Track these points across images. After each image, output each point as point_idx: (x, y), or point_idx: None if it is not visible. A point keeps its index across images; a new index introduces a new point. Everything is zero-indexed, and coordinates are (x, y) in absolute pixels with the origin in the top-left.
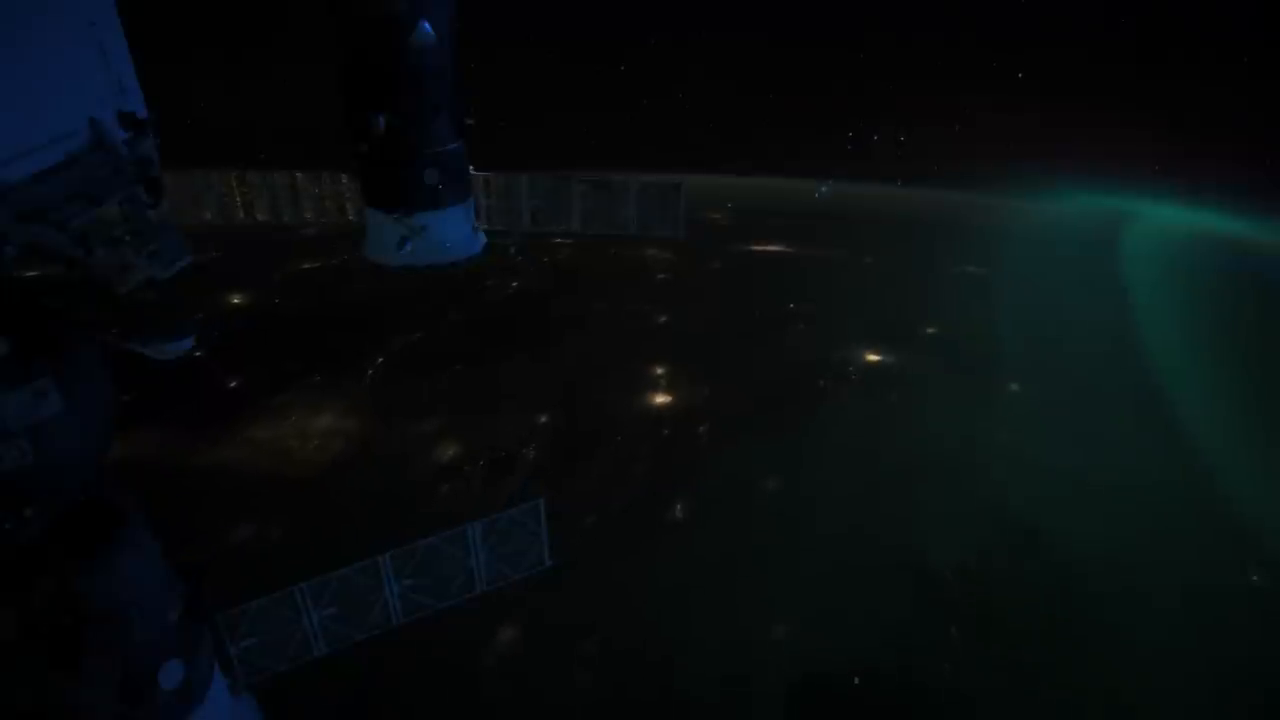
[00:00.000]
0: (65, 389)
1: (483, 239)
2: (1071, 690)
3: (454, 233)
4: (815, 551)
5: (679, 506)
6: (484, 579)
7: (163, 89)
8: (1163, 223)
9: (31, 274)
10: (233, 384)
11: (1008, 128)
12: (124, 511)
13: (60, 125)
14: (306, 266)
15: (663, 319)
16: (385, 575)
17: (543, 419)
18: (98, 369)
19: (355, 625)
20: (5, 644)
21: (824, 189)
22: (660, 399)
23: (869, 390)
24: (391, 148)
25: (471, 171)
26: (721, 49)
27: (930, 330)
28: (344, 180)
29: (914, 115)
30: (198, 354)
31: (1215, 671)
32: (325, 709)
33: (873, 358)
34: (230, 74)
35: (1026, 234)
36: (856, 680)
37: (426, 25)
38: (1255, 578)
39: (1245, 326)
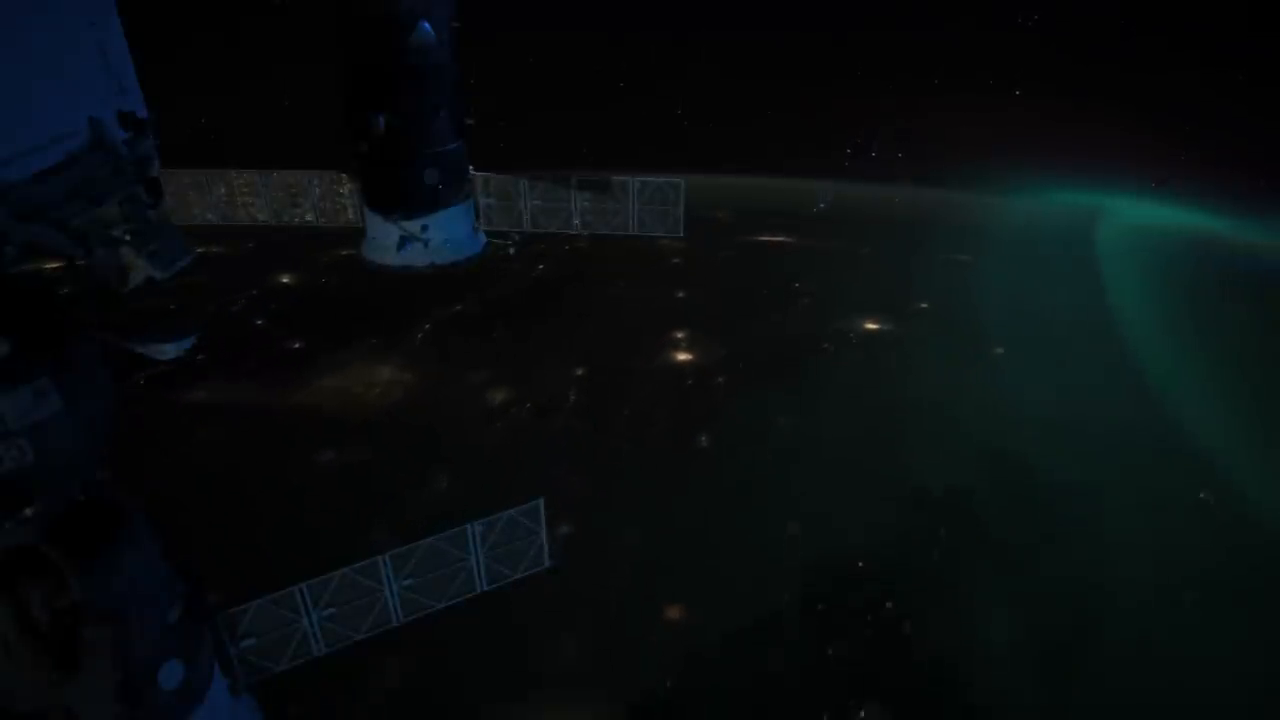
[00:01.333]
0: (65, 389)
1: (483, 239)
2: (1040, 574)
3: (454, 233)
4: (821, 472)
5: (703, 437)
6: (484, 579)
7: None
8: (1136, 218)
9: (31, 274)
10: (296, 345)
11: (988, 126)
12: (124, 511)
13: (60, 125)
14: (345, 253)
15: (680, 294)
16: (385, 575)
17: (579, 371)
18: (98, 369)
19: (355, 625)
20: (5, 644)
21: (822, 204)
22: (682, 356)
23: (867, 351)
24: (391, 148)
25: (471, 171)
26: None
27: (923, 305)
28: (343, 180)
29: (899, 116)
30: (259, 322)
31: (1163, 560)
32: (325, 709)
33: (871, 326)
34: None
35: (1009, 228)
36: (860, 564)
37: (426, 25)
38: (1203, 494)
39: (1207, 305)
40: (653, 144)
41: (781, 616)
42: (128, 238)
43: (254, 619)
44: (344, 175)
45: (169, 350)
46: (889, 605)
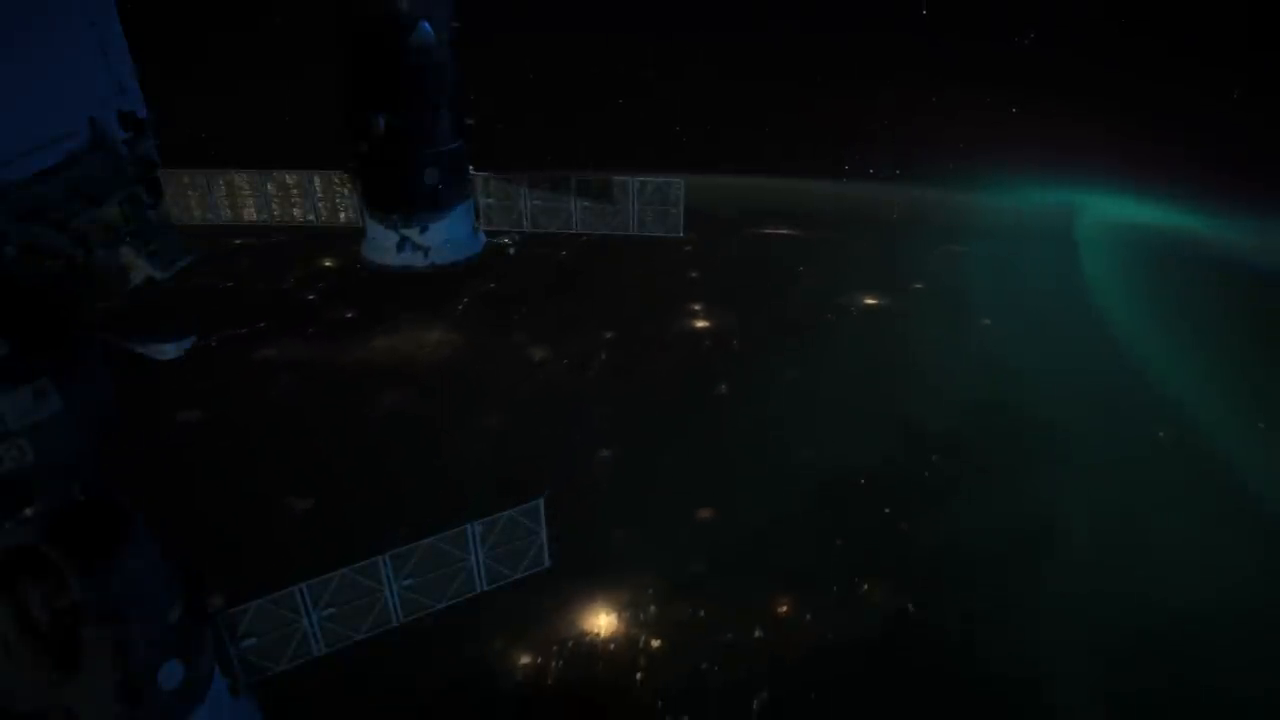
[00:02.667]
0: (65, 389)
1: (483, 239)
2: (1016, 489)
3: (454, 233)
4: (826, 412)
5: (722, 385)
6: (484, 579)
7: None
8: (1112, 213)
9: (31, 274)
10: (349, 315)
11: (980, 127)
12: (125, 511)
13: (60, 125)
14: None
15: (693, 274)
16: (385, 575)
17: (607, 335)
18: (98, 369)
19: (355, 625)
20: (5, 644)
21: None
22: (699, 323)
23: (866, 320)
24: (391, 148)
25: (471, 171)
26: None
27: (918, 285)
28: (343, 180)
29: (898, 117)
30: (310, 297)
31: (1121, 479)
32: (325, 709)
33: (869, 301)
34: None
35: (997, 223)
36: (862, 481)
37: (426, 25)
38: (1161, 434)
39: (1172, 285)
40: (652, 144)
41: (795, 518)
42: (128, 238)
43: (254, 619)
44: (344, 175)
45: (169, 350)
46: (887, 511)
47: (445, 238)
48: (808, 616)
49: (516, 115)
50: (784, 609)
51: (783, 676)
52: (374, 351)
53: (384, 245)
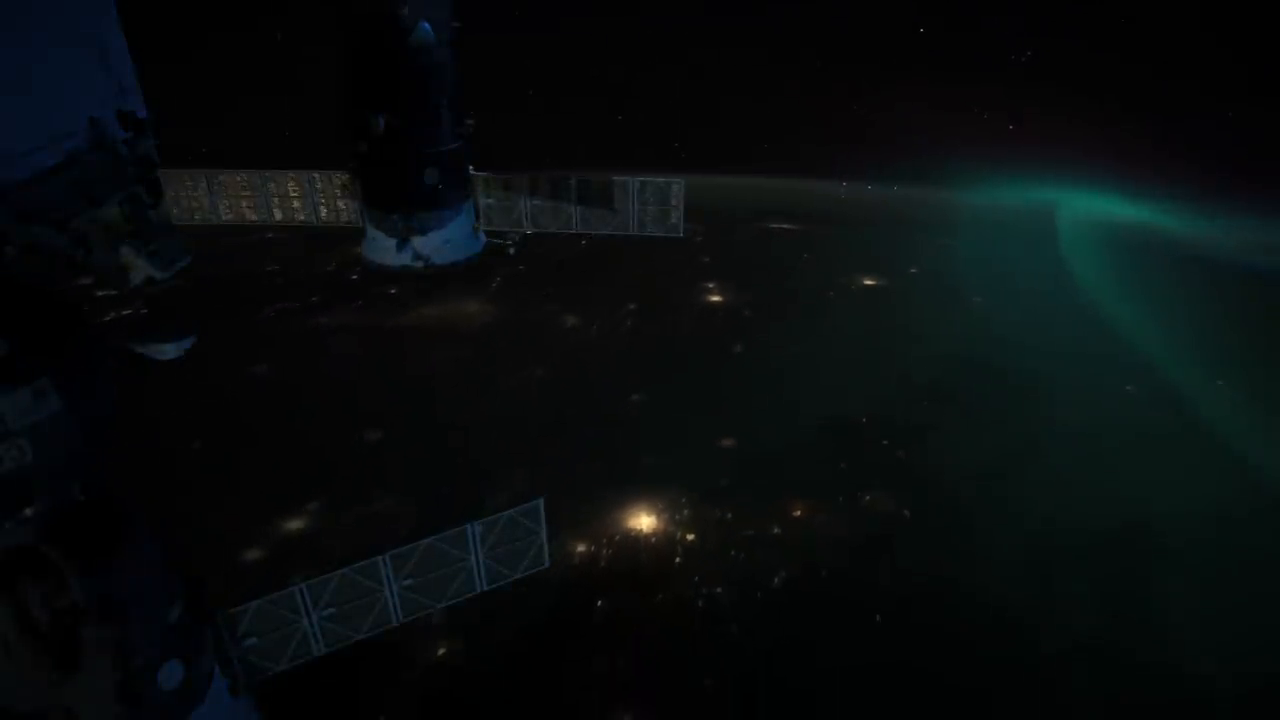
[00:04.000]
0: (65, 389)
1: (483, 239)
2: (998, 426)
3: (454, 233)
4: (831, 368)
5: (737, 347)
6: (484, 579)
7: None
8: (1092, 209)
9: (32, 274)
10: (391, 291)
11: (972, 128)
12: (125, 511)
13: (60, 125)
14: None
15: (705, 259)
16: (385, 575)
17: (631, 306)
18: (98, 369)
19: (355, 625)
20: (5, 644)
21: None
22: (713, 299)
23: (866, 296)
24: (391, 148)
25: (471, 171)
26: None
27: (913, 270)
28: (344, 180)
29: (898, 118)
30: (354, 277)
31: (1090, 416)
32: (325, 709)
33: (868, 281)
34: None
35: (988, 219)
36: (864, 419)
37: (426, 25)
38: (1130, 387)
39: (1145, 270)
40: (652, 145)
41: (805, 446)
42: (128, 238)
43: (254, 619)
44: (344, 175)
45: (169, 350)
46: (885, 442)
47: (445, 238)
48: (817, 518)
49: (517, 115)
50: (797, 513)
51: (797, 562)
52: (422, 318)
53: (384, 245)
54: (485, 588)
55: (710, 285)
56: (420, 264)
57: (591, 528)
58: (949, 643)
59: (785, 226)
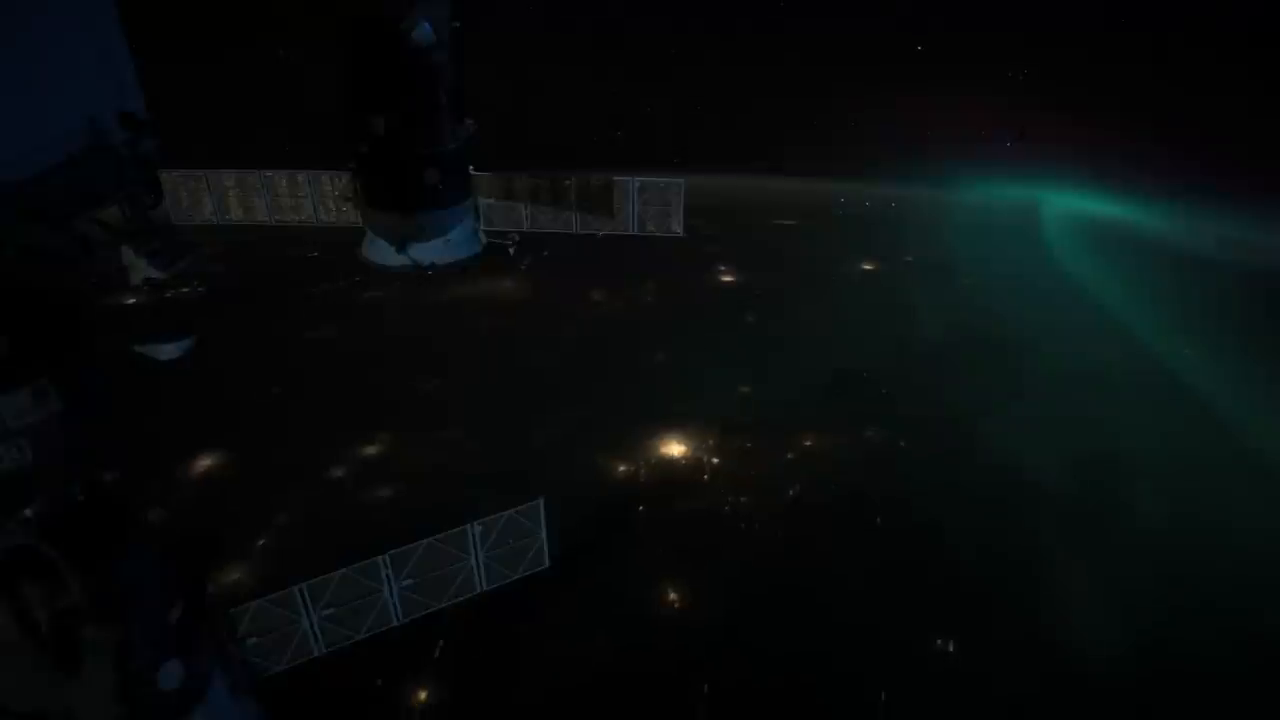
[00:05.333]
0: (65, 388)
1: (483, 239)
2: (978, 377)
3: (454, 232)
4: (835, 333)
5: (749, 317)
6: (484, 579)
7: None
8: (1074, 206)
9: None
10: (428, 272)
11: (963, 129)
12: (124, 511)
13: (60, 125)
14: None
15: (714, 249)
16: (385, 575)
17: (650, 285)
18: (97, 368)
19: (355, 625)
20: (5, 644)
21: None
22: (725, 278)
23: (865, 278)
24: (391, 148)
25: (471, 171)
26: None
27: (908, 259)
28: (343, 180)
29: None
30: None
31: (1068, 372)
32: (325, 709)
33: (867, 266)
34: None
35: (979, 217)
36: (865, 374)
37: (427, 25)
38: (1102, 349)
39: (1121, 259)
40: (652, 145)
41: (815, 391)
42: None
43: (254, 619)
44: (343, 175)
45: (169, 350)
46: (884, 391)
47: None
48: (825, 446)
49: (517, 115)
50: (808, 443)
51: (809, 478)
52: (459, 295)
53: (384, 246)
54: (485, 588)
55: (721, 268)
56: (421, 265)
57: (630, 453)
58: (937, 541)
59: (786, 223)
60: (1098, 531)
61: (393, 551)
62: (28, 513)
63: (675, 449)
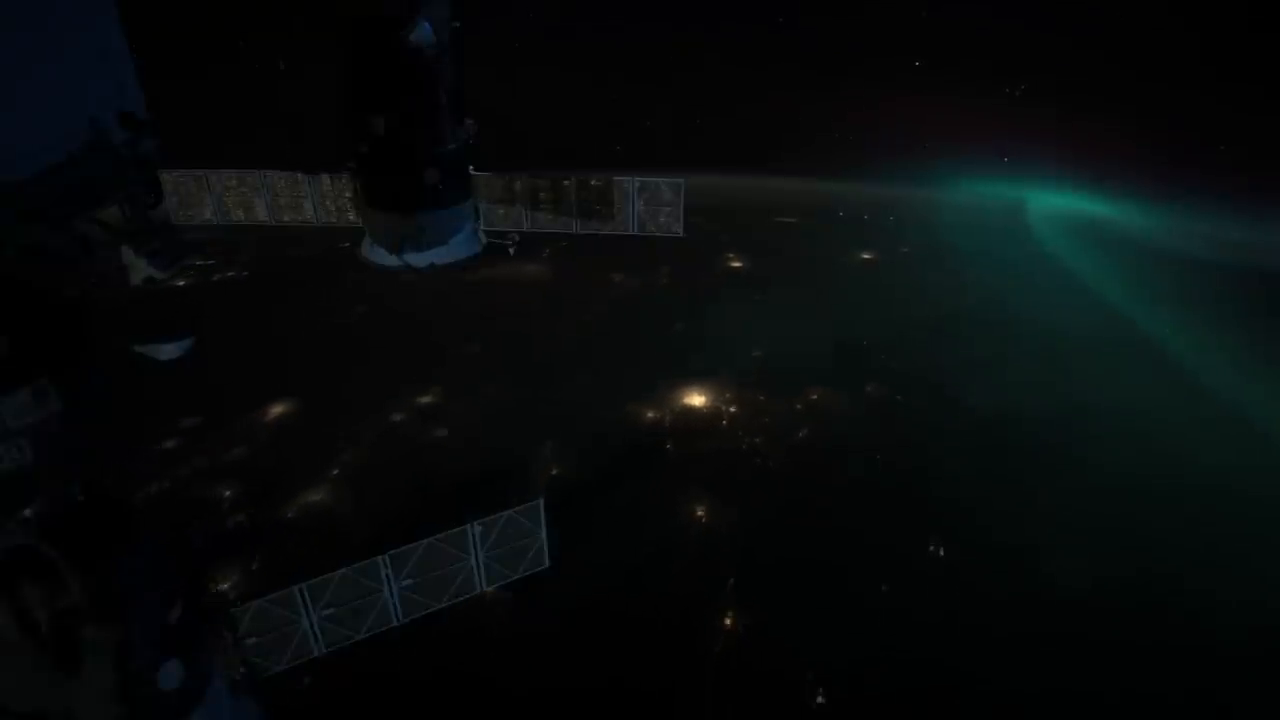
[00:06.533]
0: (65, 389)
1: (483, 239)
2: (964, 346)
3: (454, 232)
4: (837, 308)
5: (757, 296)
6: (484, 579)
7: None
8: (1058, 204)
9: (32, 274)
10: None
11: (957, 129)
12: (124, 511)
13: (60, 125)
14: None
15: (721, 240)
16: (385, 575)
17: (665, 268)
18: (98, 369)
19: (355, 625)
20: (5, 644)
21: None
22: (734, 264)
23: (864, 266)
24: (391, 148)
25: (471, 171)
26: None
27: (904, 250)
28: (344, 180)
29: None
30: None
31: (1057, 344)
32: (325, 709)
33: (866, 256)
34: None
35: (964, 213)
36: (864, 342)
37: (427, 25)
38: (1085, 319)
39: (1101, 252)
40: (651, 145)
41: (820, 356)
42: (128, 238)
43: (254, 619)
44: (343, 176)
45: (169, 350)
46: (882, 356)
47: (446, 237)
48: (830, 399)
49: (516, 115)
50: (814, 396)
51: (814, 424)
52: (487, 276)
53: (384, 245)
54: (485, 588)
55: (730, 255)
56: (419, 267)
57: (656, 402)
58: (930, 473)
59: (787, 220)
60: (1070, 463)
61: (393, 551)
62: (28, 513)
63: (696, 400)
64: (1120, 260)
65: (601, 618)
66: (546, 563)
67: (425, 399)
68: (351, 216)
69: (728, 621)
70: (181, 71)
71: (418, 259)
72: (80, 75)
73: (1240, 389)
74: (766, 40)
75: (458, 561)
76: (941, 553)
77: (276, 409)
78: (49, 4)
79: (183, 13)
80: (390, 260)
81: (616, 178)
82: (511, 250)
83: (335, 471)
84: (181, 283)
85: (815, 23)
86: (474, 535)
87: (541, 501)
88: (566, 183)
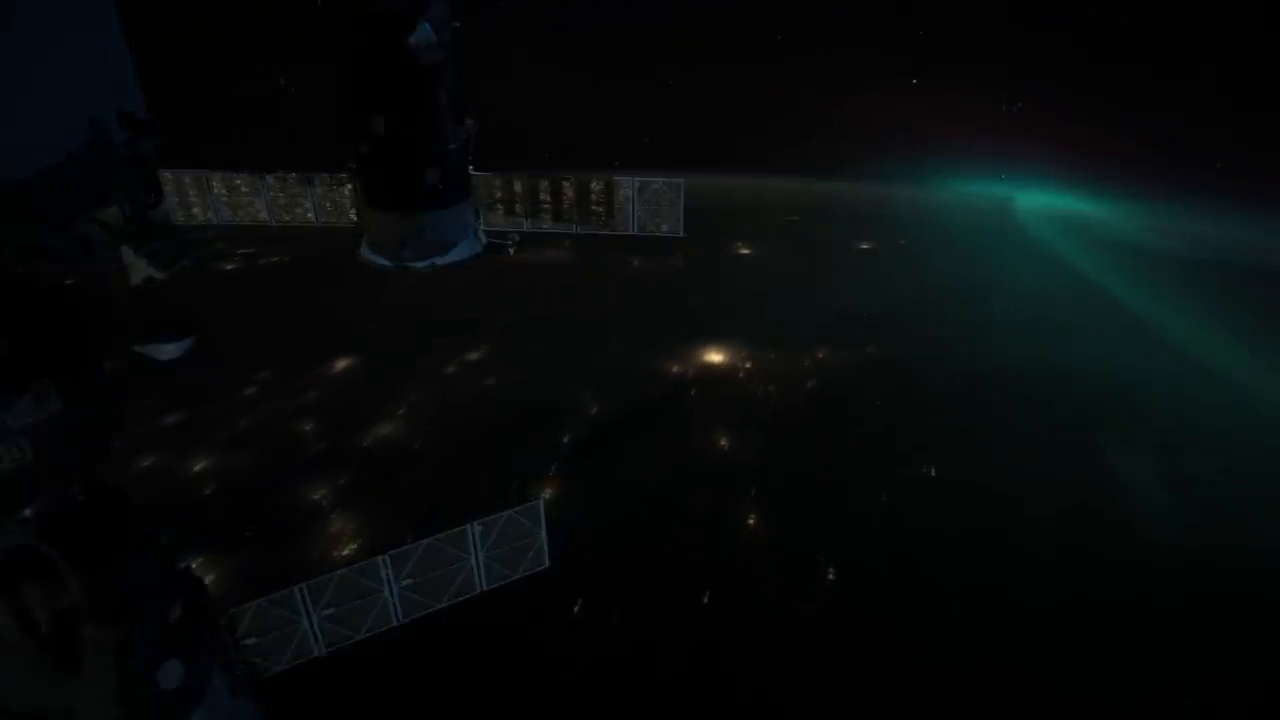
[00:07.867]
0: (65, 389)
1: (483, 238)
2: (967, 317)
3: (455, 233)
4: (838, 291)
5: (765, 275)
6: (484, 579)
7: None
8: (1046, 202)
9: (32, 274)
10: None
11: (953, 129)
12: (124, 511)
13: (60, 125)
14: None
15: (727, 234)
16: (385, 575)
17: (678, 254)
18: (98, 370)
19: (355, 625)
20: (5, 644)
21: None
22: (743, 252)
23: (862, 254)
24: (391, 148)
25: (471, 171)
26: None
27: (901, 242)
28: (344, 180)
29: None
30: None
31: (1036, 316)
32: (325, 709)
33: (864, 246)
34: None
35: (955, 210)
36: (863, 315)
37: (427, 26)
38: (1069, 300)
39: (1087, 245)
40: (651, 145)
41: (825, 326)
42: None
43: (254, 619)
44: (343, 175)
45: (169, 350)
46: (880, 326)
47: (446, 237)
48: (834, 357)
49: (516, 115)
50: (820, 355)
51: (822, 378)
52: (517, 261)
53: (384, 245)
54: (485, 588)
55: (738, 243)
56: (420, 265)
57: (678, 360)
58: (923, 410)
59: (789, 219)
60: (1041, 403)
61: (393, 551)
62: (28, 513)
63: (716, 357)
64: (1095, 250)
65: (642, 517)
66: (546, 563)
67: (474, 355)
68: (352, 218)
69: (751, 521)
70: (181, 71)
71: (418, 259)
72: (80, 75)
73: (1198, 348)
74: (767, 40)
75: (458, 561)
76: (932, 473)
77: (342, 363)
78: (49, 4)
79: (183, 12)
80: (389, 261)
81: (616, 178)
82: (512, 250)
83: (401, 410)
84: (228, 267)
85: (816, 22)
86: (474, 535)
87: (541, 501)
88: (566, 183)
